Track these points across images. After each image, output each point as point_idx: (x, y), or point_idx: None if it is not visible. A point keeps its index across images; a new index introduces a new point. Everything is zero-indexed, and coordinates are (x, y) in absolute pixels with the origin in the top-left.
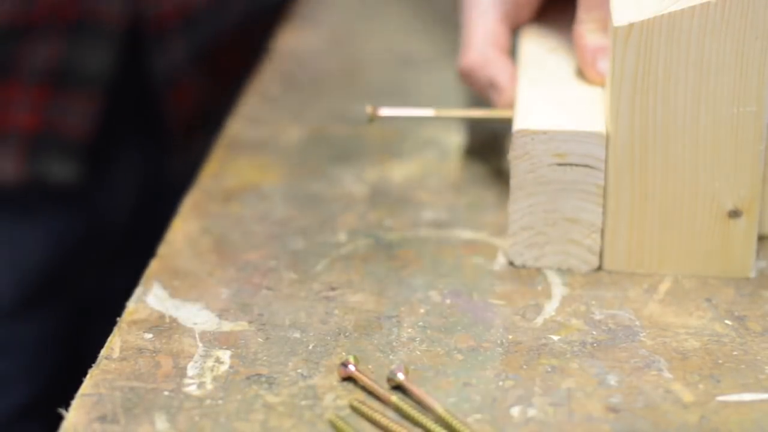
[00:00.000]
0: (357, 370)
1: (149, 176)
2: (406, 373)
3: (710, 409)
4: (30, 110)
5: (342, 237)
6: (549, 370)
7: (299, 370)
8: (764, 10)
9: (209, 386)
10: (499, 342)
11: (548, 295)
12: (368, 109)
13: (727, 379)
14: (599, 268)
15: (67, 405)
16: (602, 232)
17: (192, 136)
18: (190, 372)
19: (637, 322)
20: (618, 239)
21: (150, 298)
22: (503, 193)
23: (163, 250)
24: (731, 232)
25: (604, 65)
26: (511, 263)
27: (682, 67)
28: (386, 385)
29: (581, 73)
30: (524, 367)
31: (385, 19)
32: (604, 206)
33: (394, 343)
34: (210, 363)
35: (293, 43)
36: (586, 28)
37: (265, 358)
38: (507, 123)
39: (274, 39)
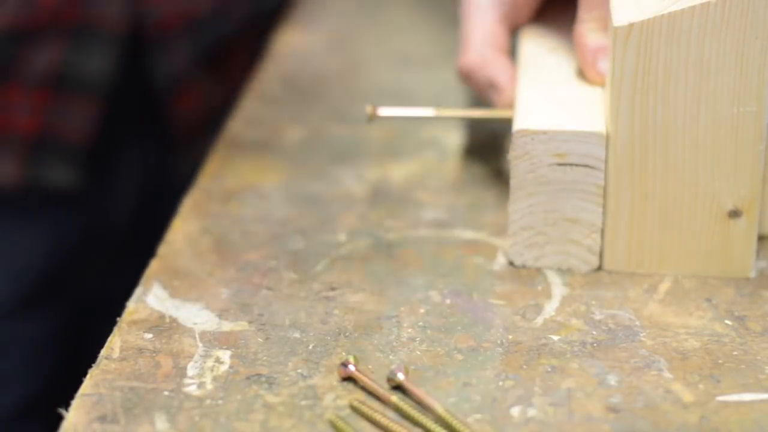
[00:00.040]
0: (357, 370)
1: (151, 178)
2: (406, 373)
3: (710, 409)
4: (30, 114)
5: (342, 237)
6: (549, 370)
7: (299, 370)
8: (764, 10)
9: (209, 386)
10: (499, 342)
11: (548, 295)
12: (368, 109)
13: (727, 379)
14: (599, 268)
15: (67, 405)
16: (602, 232)
17: (195, 138)
18: (190, 372)
19: (637, 322)
20: (618, 239)
21: (150, 298)
22: (503, 193)
23: (163, 250)
24: (731, 232)
25: (604, 65)
26: (511, 263)
27: (682, 67)
28: (386, 385)
29: (581, 73)
30: (524, 367)
31: (385, 19)
32: (604, 206)
33: (394, 343)
34: (210, 363)
35: (293, 43)
36: (586, 27)
37: (265, 358)
38: (507, 123)
39: (274, 39)
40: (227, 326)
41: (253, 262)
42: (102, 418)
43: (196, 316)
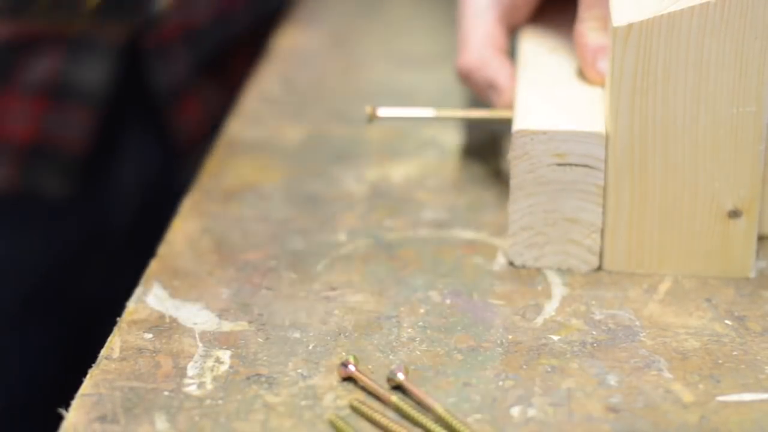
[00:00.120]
0: (357, 370)
1: (152, 185)
2: (406, 373)
3: (710, 409)
4: (26, 122)
5: (342, 237)
6: (549, 370)
7: (299, 370)
8: (764, 10)
9: (209, 386)
10: (499, 342)
11: (548, 295)
12: (368, 109)
13: (727, 379)
14: (599, 268)
15: (67, 405)
16: (602, 232)
17: (197, 145)
18: (190, 372)
19: (637, 322)
20: (618, 239)
21: (150, 298)
22: (503, 193)
23: (163, 250)
24: (731, 232)
25: (604, 65)
26: (511, 263)
27: (681, 67)
28: (386, 385)
29: (581, 73)
30: (524, 367)
31: (385, 19)
32: (604, 206)
33: (394, 343)
34: (210, 363)
35: (293, 43)
36: (587, 26)
37: (265, 358)
38: (507, 123)
39: (274, 39)
40: (227, 326)
41: (253, 262)
42: (102, 418)
43: (196, 316)
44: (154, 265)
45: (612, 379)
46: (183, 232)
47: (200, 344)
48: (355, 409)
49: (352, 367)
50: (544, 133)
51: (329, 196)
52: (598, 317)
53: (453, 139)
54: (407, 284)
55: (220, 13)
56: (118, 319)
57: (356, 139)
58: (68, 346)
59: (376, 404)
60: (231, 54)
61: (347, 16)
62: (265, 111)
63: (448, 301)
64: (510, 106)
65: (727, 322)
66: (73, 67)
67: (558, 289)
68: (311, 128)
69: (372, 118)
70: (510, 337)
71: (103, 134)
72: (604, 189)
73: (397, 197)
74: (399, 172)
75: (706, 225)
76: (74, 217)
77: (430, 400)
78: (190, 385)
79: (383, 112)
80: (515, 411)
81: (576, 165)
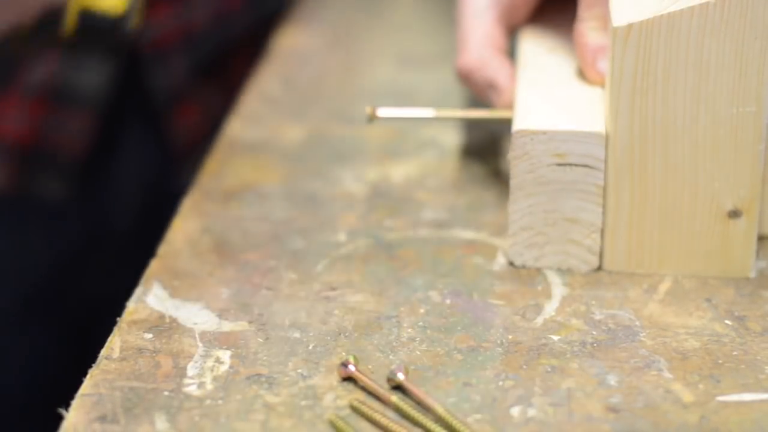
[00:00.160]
0: (357, 370)
1: (151, 187)
2: (406, 373)
3: (710, 409)
4: (24, 124)
5: (342, 237)
6: (549, 370)
7: (299, 370)
8: (764, 10)
9: (209, 386)
10: (499, 342)
11: (548, 295)
12: (368, 109)
13: (727, 379)
14: (599, 268)
15: (67, 405)
16: (602, 232)
17: (197, 147)
18: (190, 372)
19: (637, 322)
20: (618, 239)
21: (150, 298)
22: (503, 193)
23: (163, 250)
24: (731, 232)
25: (604, 65)
26: (511, 263)
27: (681, 67)
28: (386, 385)
29: (581, 73)
30: (524, 367)
31: (385, 19)
32: (604, 206)
33: (394, 343)
34: (210, 363)
35: (293, 43)
36: (587, 26)
37: (265, 358)
38: (506, 123)
39: (274, 39)
40: (227, 326)
41: (253, 262)
42: (102, 418)
43: (196, 316)
44: (154, 265)
45: (612, 379)
46: (183, 232)
47: (200, 344)
48: (355, 409)
49: (352, 367)
50: (544, 133)
51: (329, 196)
52: (598, 317)
53: (453, 139)
54: (407, 284)
55: (218, 14)
56: (118, 319)
57: (356, 139)
58: (68, 346)
59: (376, 404)
60: (230, 55)
61: (347, 16)
62: (265, 111)
63: (448, 301)
64: (510, 106)
65: (727, 322)
66: (73, 69)
67: (558, 289)
68: (311, 128)
69: (372, 118)
70: (510, 337)
71: (102, 136)
72: (604, 189)
73: (397, 197)
74: (399, 172)
75: (706, 225)
76: (74, 217)
77: (430, 400)
78: (190, 385)
79: (383, 112)
80: (515, 411)
81: (576, 165)
